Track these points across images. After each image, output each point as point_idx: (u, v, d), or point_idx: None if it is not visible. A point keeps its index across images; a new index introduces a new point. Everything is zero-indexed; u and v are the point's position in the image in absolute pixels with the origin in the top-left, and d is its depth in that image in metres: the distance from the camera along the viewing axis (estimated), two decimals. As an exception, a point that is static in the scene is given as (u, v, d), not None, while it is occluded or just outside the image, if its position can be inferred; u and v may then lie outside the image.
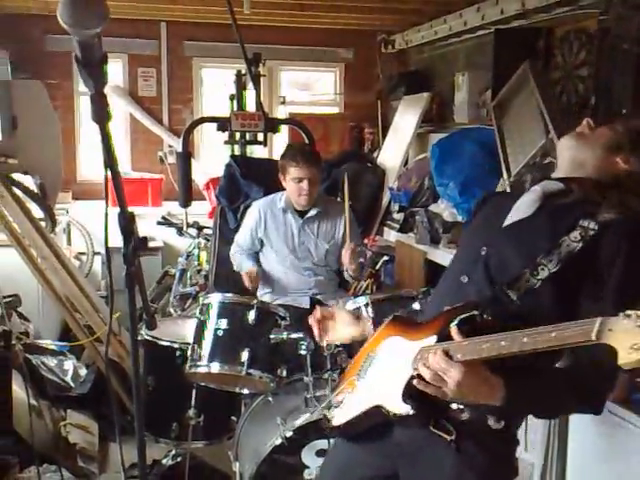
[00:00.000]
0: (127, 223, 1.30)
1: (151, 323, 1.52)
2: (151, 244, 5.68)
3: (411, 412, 1.49)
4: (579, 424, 2.06)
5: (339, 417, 1.73)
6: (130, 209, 1.36)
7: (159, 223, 5.31)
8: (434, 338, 1.50)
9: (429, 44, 5.44)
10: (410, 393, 1.49)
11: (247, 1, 4.03)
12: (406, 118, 5.47)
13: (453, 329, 1.45)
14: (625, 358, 1.13)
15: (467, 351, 1.40)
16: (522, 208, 1.58)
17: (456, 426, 1.51)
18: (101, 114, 1.23)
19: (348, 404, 1.71)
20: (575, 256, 1.44)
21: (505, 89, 3.84)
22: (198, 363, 2.56)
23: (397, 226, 4.87)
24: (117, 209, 1.35)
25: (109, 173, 1.26)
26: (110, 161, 1.25)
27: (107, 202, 1.29)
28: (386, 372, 1.62)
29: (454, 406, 1.51)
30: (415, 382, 1.47)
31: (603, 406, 1.52)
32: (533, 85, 3.58)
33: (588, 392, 1.47)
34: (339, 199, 4.13)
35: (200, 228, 5.12)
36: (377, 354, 1.69)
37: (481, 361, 1.40)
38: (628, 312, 1.16)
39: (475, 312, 1.47)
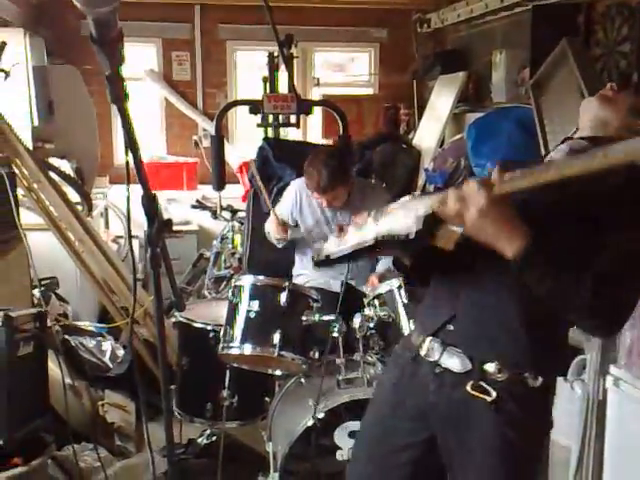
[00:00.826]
0: (150, 204, 1.29)
1: (180, 305, 1.52)
2: (186, 227, 5.75)
3: (414, 234, 1.41)
4: (617, 409, 2.01)
5: (331, 246, 1.70)
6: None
7: (193, 207, 5.36)
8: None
9: (465, 22, 5.32)
10: (426, 220, 1.40)
11: (279, -19, 3.98)
12: (442, 98, 5.38)
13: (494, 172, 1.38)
14: None
15: (504, 182, 1.34)
16: None
17: (495, 387, 1.51)
18: (118, 94, 1.22)
19: (351, 236, 1.67)
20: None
21: (544, 67, 3.73)
22: (231, 344, 2.57)
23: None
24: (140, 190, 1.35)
25: (130, 155, 1.26)
26: (130, 142, 1.24)
27: (128, 183, 1.29)
28: (404, 211, 1.53)
29: (491, 368, 1.51)
30: (435, 205, 1.40)
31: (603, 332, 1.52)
32: (572, 62, 3.47)
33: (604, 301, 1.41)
34: (374, 181, 4.08)
35: (234, 211, 5.15)
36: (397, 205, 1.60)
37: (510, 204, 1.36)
38: None
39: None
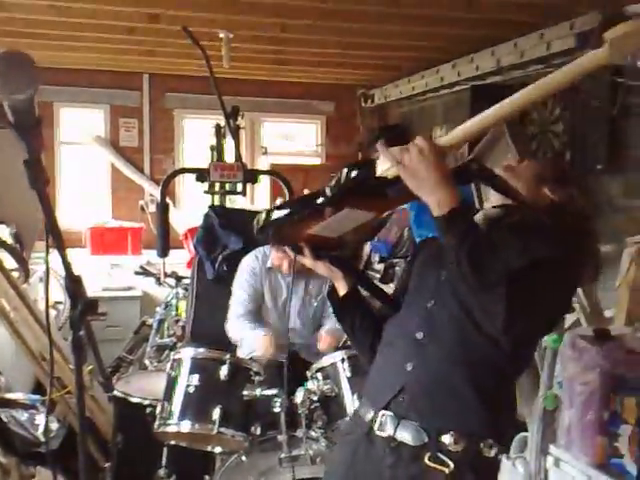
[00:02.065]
0: (74, 286, 1.26)
1: (107, 386, 1.47)
2: (129, 293, 5.63)
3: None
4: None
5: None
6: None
7: (137, 273, 5.27)
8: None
9: (407, 99, 5.53)
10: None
11: (226, 57, 4.08)
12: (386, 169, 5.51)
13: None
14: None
15: (449, 137, 1.45)
16: None
17: (452, 458, 1.51)
18: (37, 179, 1.21)
19: None
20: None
21: (481, 144, 3.88)
22: (168, 421, 2.49)
23: (378, 276, 4.86)
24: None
25: (50, 236, 1.24)
26: (51, 226, 1.23)
27: (47, 263, 1.27)
28: None
29: (447, 439, 1.51)
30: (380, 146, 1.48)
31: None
32: (508, 140, 3.63)
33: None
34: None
35: (179, 278, 5.08)
36: None
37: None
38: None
39: None
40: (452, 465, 1.50)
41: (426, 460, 1.52)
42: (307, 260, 1.75)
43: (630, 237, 2.88)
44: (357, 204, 1.53)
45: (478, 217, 1.64)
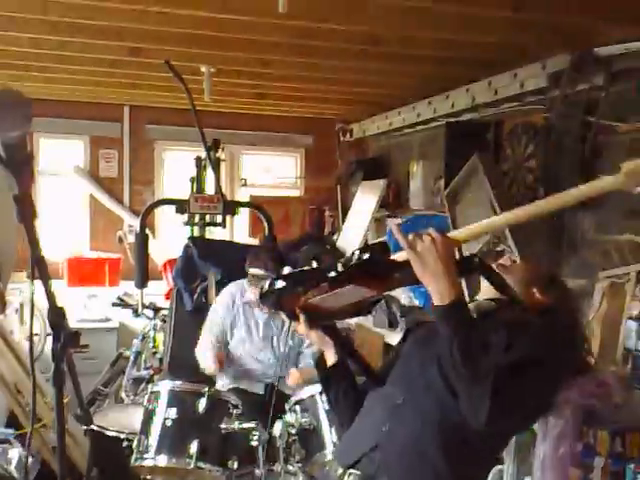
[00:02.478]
0: (57, 318, 1.28)
1: (85, 419, 1.48)
2: (106, 325, 5.57)
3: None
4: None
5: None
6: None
7: (114, 304, 5.23)
8: None
9: (385, 133, 5.63)
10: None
11: (207, 90, 4.14)
12: (364, 203, 5.59)
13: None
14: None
15: (456, 234, 1.55)
16: None
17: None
18: (27, 214, 1.24)
19: None
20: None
21: (457, 179, 3.97)
22: (145, 455, 2.48)
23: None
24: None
25: (36, 270, 1.26)
26: (37, 261, 1.25)
27: (32, 295, 1.28)
28: None
29: None
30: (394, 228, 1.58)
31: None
32: (483, 176, 3.72)
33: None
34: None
35: (157, 309, 5.04)
36: None
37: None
38: None
39: None
40: None
41: None
42: (301, 327, 1.78)
43: (602, 271, 2.95)
44: (362, 282, 1.59)
45: (471, 307, 1.68)
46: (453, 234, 1.57)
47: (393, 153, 5.69)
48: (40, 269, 1.26)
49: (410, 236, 1.52)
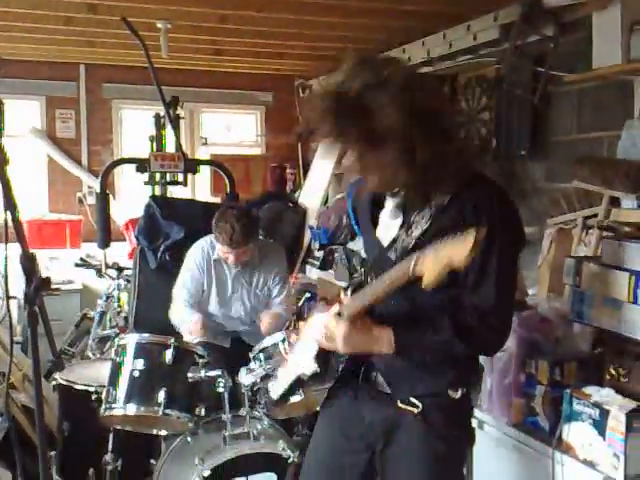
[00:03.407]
0: (29, 263, 1.33)
1: (59, 364, 1.54)
2: (69, 286, 5.57)
3: (318, 370, 1.77)
4: (480, 447, 2.17)
5: (275, 390, 1.94)
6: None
7: (77, 265, 5.22)
8: (336, 307, 1.70)
9: (343, 89, 5.63)
10: (319, 355, 1.75)
11: (165, 46, 4.10)
12: (325, 159, 5.61)
13: (342, 294, 1.69)
14: (428, 279, 1.41)
15: (349, 307, 1.64)
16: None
17: (421, 400, 1.67)
18: None
19: (280, 377, 1.94)
20: (444, 209, 1.60)
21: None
22: (113, 405, 2.54)
23: (318, 263, 4.97)
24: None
25: (9, 216, 1.30)
26: (9, 204, 1.29)
27: (6, 244, 1.32)
28: (305, 342, 1.83)
29: (418, 388, 1.68)
30: (316, 343, 1.73)
31: (497, 350, 1.74)
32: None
33: (476, 339, 1.61)
34: (271, 240, 4.16)
35: (120, 269, 5.05)
36: (305, 330, 1.86)
37: (367, 318, 1.62)
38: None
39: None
40: (421, 406, 1.67)
41: (398, 403, 1.69)
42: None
43: (550, 219, 3.07)
44: None
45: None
46: (348, 311, 1.64)
47: (352, 108, 5.71)
48: (12, 213, 1.30)
49: (326, 342, 1.68)
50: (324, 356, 1.76)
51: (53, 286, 5.55)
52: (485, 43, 3.66)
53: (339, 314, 1.65)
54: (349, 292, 1.69)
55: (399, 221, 1.69)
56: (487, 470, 2.35)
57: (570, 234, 2.92)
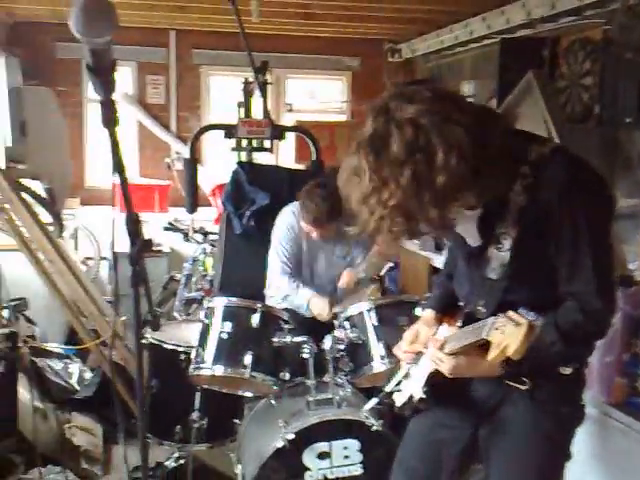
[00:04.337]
0: (134, 225, 1.33)
1: (155, 324, 1.55)
2: (157, 249, 5.73)
3: (424, 396, 1.69)
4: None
5: (399, 400, 1.84)
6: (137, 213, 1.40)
7: (166, 229, 5.35)
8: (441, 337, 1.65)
9: (435, 53, 5.47)
10: (428, 380, 1.70)
11: (256, 10, 4.07)
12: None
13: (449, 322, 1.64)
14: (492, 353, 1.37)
15: (451, 346, 1.57)
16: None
17: (529, 375, 1.56)
18: (110, 119, 1.27)
19: (404, 389, 1.84)
20: (525, 210, 1.46)
21: (510, 97, 3.86)
22: (202, 366, 2.58)
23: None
24: (124, 213, 1.39)
25: (117, 177, 1.30)
26: (118, 165, 1.29)
27: (115, 206, 1.33)
28: (423, 363, 1.75)
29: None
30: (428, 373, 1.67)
31: (608, 330, 1.57)
32: (538, 94, 3.60)
33: (587, 333, 1.52)
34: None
35: (206, 234, 5.15)
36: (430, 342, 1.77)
37: (472, 351, 1.52)
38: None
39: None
40: (529, 382, 1.57)
41: (506, 379, 1.60)
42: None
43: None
44: None
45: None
46: (448, 351, 1.59)
47: (443, 73, 5.55)
48: (120, 175, 1.30)
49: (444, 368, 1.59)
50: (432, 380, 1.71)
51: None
52: (591, 3, 3.43)
53: (442, 346, 1.60)
54: (459, 323, 1.64)
55: (475, 212, 1.55)
56: (582, 448, 2.24)
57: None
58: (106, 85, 1.27)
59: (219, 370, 2.55)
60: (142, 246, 1.35)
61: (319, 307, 3.10)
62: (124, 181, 1.36)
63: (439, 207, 1.36)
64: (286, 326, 2.67)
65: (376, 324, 2.66)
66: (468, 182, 1.36)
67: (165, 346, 2.88)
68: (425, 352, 1.74)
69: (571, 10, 3.62)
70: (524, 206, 1.46)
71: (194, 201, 4.35)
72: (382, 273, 4.78)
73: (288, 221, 3.37)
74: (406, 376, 1.84)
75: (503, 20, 4.18)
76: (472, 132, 1.35)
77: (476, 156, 1.35)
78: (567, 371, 1.58)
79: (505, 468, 1.66)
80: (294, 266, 3.32)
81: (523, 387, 1.57)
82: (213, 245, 4.90)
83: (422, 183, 1.34)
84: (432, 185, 1.34)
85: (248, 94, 4.90)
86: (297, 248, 3.34)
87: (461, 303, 1.75)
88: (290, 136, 5.50)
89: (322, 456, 2.48)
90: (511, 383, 1.59)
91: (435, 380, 1.67)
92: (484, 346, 1.45)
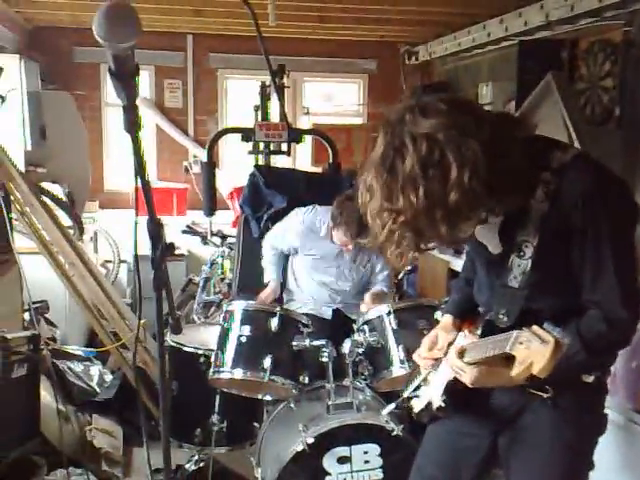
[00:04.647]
0: (156, 229, 1.35)
1: (176, 327, 1.56)
2: (176, 252, 5.76)
3: (442, 404, 1.68)
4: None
5: (417, 406, 1.84)
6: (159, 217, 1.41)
7: (184, 232, 5.38)
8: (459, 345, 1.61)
9: (453, 55, 5.46)
10: (447, 388, 1.68)
11: (272, 14, 4.09)
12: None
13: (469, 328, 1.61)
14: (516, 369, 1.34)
15: (471, 356, 1.53)
16: None
17: (551, 383, 1.53)
18: (133, 124, 1.28)
19: (423, 395, 1.82)
20: (547, 217, 1.45)
21: (529, 100, 3.84)
22: (221, 369, 2.59)
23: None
24: (146, 217, 1.40)
25: (139, 181, 1.31)
26: (140, 170, 1.30)
27: (137, 209, 1.34)
28: (442, 371, 1.73)
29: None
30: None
31: (633, 336, 1.55)
32: (557, 96, 3.58)
33: (610, 342, 1.51)
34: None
35: (224, 237, 5.17)
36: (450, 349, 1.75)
37: (493, 362, 1.48)
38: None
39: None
40: (551, 390, 1.55)
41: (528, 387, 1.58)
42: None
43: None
44: None
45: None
46: (468, 360, 1.56)
47: (460, 76, 5.53)
48: (142, 178, 1.32)
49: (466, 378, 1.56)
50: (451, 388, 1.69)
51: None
52: (611, 5, 3.40)
53: (462, 354, 1.57)
54: (479, 331, 1.61)
55: (497, 219, 1.54)
56: (606, 456, 2.22)
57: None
58: (129, 90, 1.28)
59: (238, 373, 2.56)
60: (164, 250, 1.36)
61: (265, 293, 3.33)
62: (146, 185, 1.37)
63: (450, 224, 1.36)
64: (305, 330, 2.67)
65: (395, 328, 2.66)
66: (481, 199, 1.35)
67: (185, 349, 2.89)
68: (444, 358, 1.73)
69: (590, 12, 3.60)
70: (546, 213, 1.45)
71: (212, 204, 4.37)
72: (400, 277, 4.79)
73: (301, 220, 3.40)
74: (425, 381, 1.83)
75: (521, 22, 4.15)
76: (489, 145, 1.34)
77: (492, 170, 1.34)
78: (590, 379, 1.57)
79: (526, 478, 1.65)
80: (318, 264, 3.35)
81: (545, 395, 1.56)
82: (231, 248, 4.92)
83: (434, 200, 1.33)
84: (444, 202, 1.33)
85: (265, 97, 4.93)
86: (311, 251, 3.36)
87: (480, 309, 1.75)
88: (307, 139, 5.51)
89: (342, 460, 2.48)
90: (533, 391, 1.57)
91: (454, 387, 1.66)
92: (507, 358, 1.42)
